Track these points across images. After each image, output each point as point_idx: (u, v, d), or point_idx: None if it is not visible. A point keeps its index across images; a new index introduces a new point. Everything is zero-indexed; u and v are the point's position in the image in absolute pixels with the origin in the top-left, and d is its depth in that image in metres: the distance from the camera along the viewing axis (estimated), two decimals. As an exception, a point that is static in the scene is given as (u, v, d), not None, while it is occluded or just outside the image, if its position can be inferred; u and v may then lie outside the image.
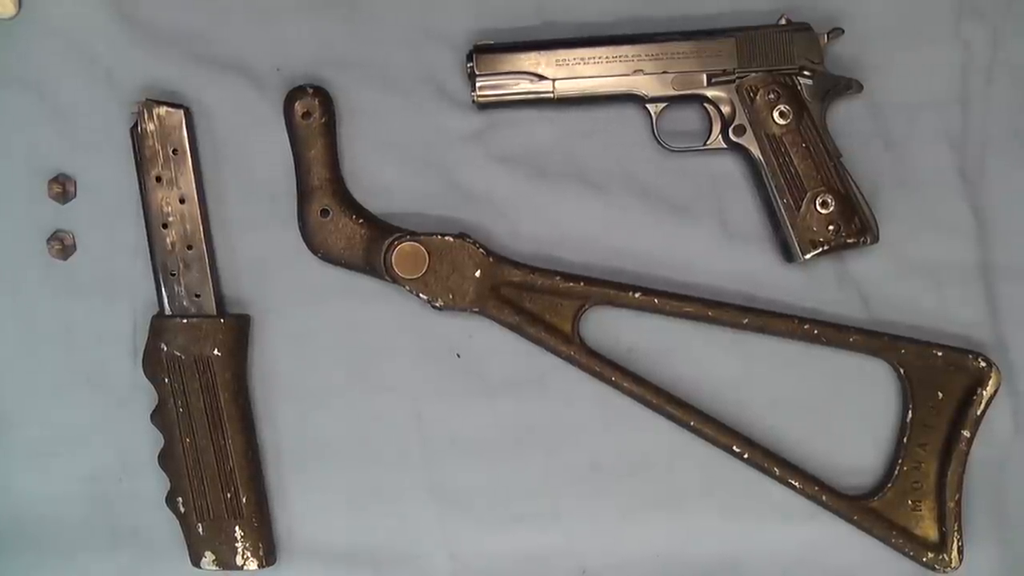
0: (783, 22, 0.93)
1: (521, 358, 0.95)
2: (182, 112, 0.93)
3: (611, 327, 0.95)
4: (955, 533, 0.91)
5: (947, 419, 0.92)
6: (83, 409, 0.96)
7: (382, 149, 0.97)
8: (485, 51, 0.94)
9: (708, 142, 0.95)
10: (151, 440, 0.94)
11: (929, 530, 0.92)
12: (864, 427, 0.95)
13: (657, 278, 0.95)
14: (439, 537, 0.96)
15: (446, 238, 0.93)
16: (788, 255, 0.94)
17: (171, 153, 0.93)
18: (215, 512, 0.93)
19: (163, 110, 0.92)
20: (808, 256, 0.92)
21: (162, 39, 0.97)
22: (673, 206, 0.96)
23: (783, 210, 0.92)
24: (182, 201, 0.93)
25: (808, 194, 0.92)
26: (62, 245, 0.96)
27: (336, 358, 0.96)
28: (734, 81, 0.93)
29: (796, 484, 0.93)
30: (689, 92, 0.93)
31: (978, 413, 0.91)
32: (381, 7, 0.97)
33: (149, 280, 0.94)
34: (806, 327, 0.93)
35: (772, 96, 0.92)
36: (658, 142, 0.95)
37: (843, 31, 0.94)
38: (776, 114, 0.92)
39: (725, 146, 0.94)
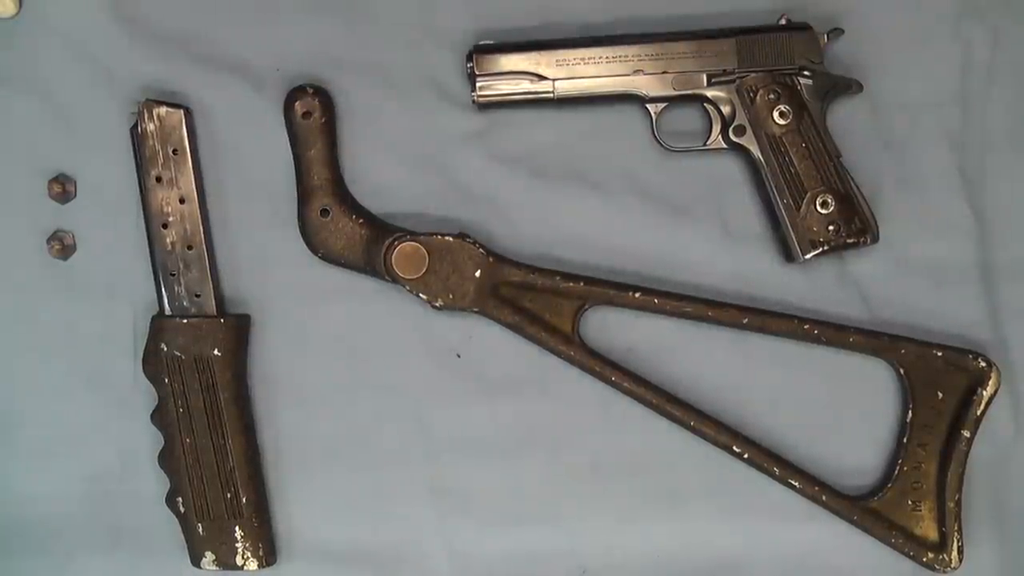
0: (783, 22, 0.93)
1: (521, 358, 0.95)
2: (182, 112, 0.93)
3: (611, 327, 0.95)
4: (955, 533, 0.91)
5: (947, 419, 0.92)
6: (83, 409, 0.96)
7: (382, 149, 0.97)
8: (485, 51, 0.93)
9: (708, 142, 0.95)
10: (151, 440, 0.94)
11: (929, 530, 0.92)
12: (864, 427, 0.95)
13: (657, 278, 0.95)
14: (439, 537, 0.96)
15: (446, 238, 0.93)
16: (788, 255, 0.94)
17: (171, 153, 0.93)
18: (215, 512, 0.93)
19: (163, 110, 0.92)
20: (808, 256, 0.92)
21: (162, 39, 0.97)
22: (673, 206, 0.96)
23: (783, 210, 0.92)
24: (182, 201, 0.93)
25: (808, 194, 0.91)
26: (62, 245, 0.96)
27: (336, 358, 0.96)
28: (734, 81, 0.93)
29: (796, 484, 0.93)
30: (689, 92, 0.93)
31: (978, 413, 0.91)
32: (381, 7, 0.97)
33: (149, 280, 0.94)
34: (806, 327, 0.93)
35: (772, 96, 0.92)
36: (658, 142, 0.95)
37: (843, 31, 0.94)
38: (776, 114, 0.92)
39: (725, 146, 0.94)
